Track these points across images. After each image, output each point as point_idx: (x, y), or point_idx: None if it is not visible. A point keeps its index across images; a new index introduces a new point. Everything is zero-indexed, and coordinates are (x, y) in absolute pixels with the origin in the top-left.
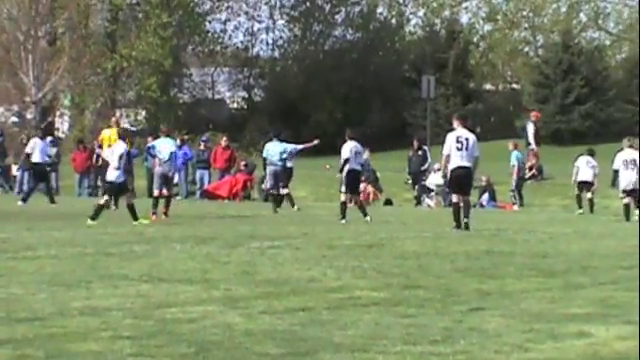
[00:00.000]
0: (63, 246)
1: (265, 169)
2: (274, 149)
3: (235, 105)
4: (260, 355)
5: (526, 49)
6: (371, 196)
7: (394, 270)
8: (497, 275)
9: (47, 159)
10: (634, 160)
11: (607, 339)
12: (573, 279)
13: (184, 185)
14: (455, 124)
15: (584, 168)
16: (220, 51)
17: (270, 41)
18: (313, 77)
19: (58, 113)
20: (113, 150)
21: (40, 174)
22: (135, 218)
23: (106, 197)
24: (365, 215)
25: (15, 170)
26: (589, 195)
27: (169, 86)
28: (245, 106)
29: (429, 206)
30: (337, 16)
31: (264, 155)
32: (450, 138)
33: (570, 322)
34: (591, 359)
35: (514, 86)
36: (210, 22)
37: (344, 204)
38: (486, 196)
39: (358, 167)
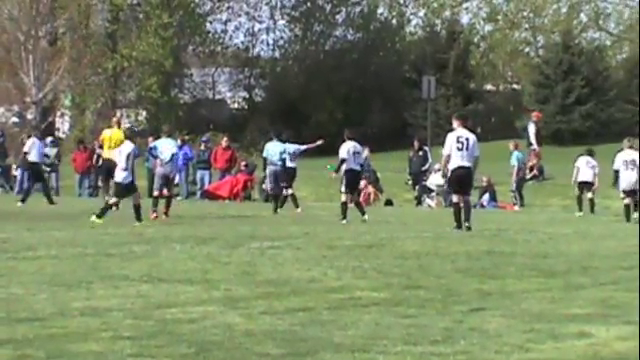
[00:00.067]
0: (63, 246)
1: (265, 169)
2: (274, 149)
3: (236, 105)
4: (260, 355)
5: (527, 49)
6: (372, 196)
7: (394, 270)
8: (498, 275)
9: (46, 159)
10: (634, 160)
11: (607, 339)
12: (574, 279)
13: (185, 185)
14: (455, 124)
15: (584, 168)
16: (221, 51)
17: (271, 41)
18: (314, 77)
19: (59, 113)
20: (121, 150)
21: (37, 174)
22: (139, 219)
23: (115, 198)
24: (363, 214)
25: (15, 170)
26: (590, 195)
27: (170, 86)
28: (246, 106)
29: (430, 206)
30: (338, 16)
31: (264, 155)
32: (450, 138)
33: (570, 322)
34: (591, 359)
35: (515, 86)
36: (211, 22)
37: (345, 204)
38: (487, 196)
39: (357, 167)
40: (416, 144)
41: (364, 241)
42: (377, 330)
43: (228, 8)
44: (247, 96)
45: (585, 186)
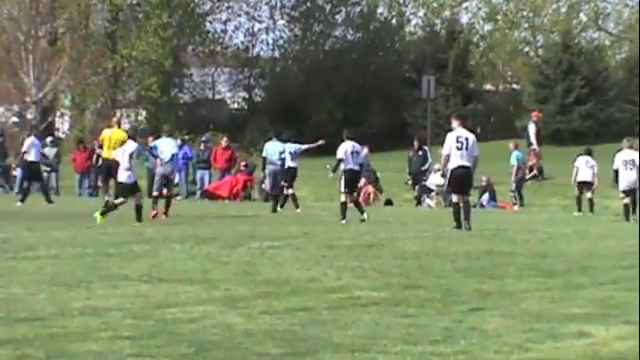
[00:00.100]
0: (63, 246)
1: (264, 169)
2: (274, 148)
3: (235, 105)
4: (260, 355)
5: (526, 49)
6: (371, 196)
7: (394, 270)
8: (497, 275)
9: (45, 159)
10: (633, 160)
11: (607, 339)
12: (573, 279)
13: (184, 185)
14: (454, 124)
15: (583, 168)
16: (220, 51)
17: (270, 41)
18: (313, 77)
19: (58, 113)
20: (124, 149)
21: (35, 173)
22: (139, 219)
23: (121, 199)
24: (362, 213)
25: (15, 170)
26: (589, 195)
27: (169, 86)
28: (245, 106)
29: (429, 206)
30: (337, 16)
31: (264, 154)
32: (450, 138)
33: (570, 322)
34: (591, 359)
35: (514, 86)
36: (210, 22)
37: (344, 204)
38: (486, 196)
39: (356, 167)
40: (416, 144)
41: (364, 241)
42: (377, 330)
43: (228, 8)
44: (247, 96)
45: (585, 186)
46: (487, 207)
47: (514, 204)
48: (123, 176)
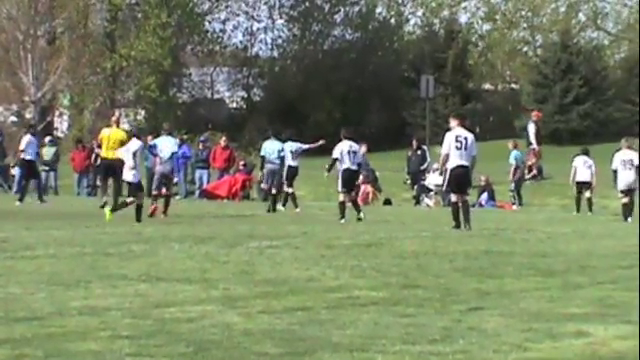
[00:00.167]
0: (62, 246)
1: (262, 168)
2: (272, 147)
3: (234, 105)
4: (259, 355)
5: (525, 49)
6: (370, 196)
7: (393, 270)
8: (496, 275)
9: (45, 157)
10: (631, 160)
11: (605, 338)
12: (572, 279)
13: (183, 185)
14: (453, 123)
15: (581, 168)
16: (219, 51)
17: (269, 41)
18: (312, 77)
19: (57, 113)
20: (128, 148)
21: (31, 171)
22: (139, 219)
23: (132, 198)
24: (358, 212)
25: (16, 170)
26: (588, 195)
27: (168, 86)
28: (244, 106)
29: (428, 206)
30: (336, 16)
31: (262, 153)
32: (449, 137)
33: (569, 321)
34: (589, 359)
35: (513, 86)
36: (209, 22)
37: (342, 204)
38: (485, 196)
39: (354, 166)
40: (414, 143)
41: (362, 240)
42: (375, 329)
43: (227, 7)
44: (245, 95)
45: (583, 186)
46: (486, 207)
47: (513, 204)
48: (129, 175)
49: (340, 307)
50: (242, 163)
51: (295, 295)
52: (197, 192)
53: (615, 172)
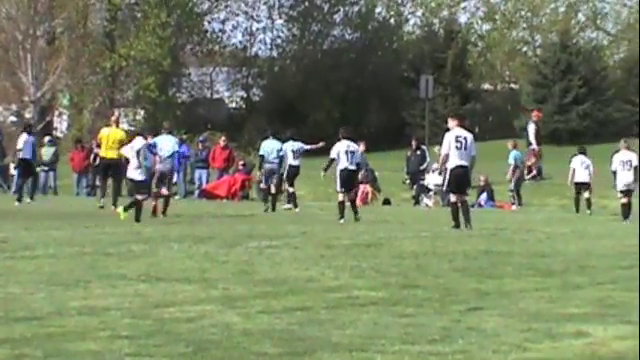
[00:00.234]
0: (61, 245)
1: (261, 167)
2: (271, 147)
3: (233, 105)
4: (258, 354)
5: (524, 49)
6: (369, 196)
7: (392, 270)
8: (495, 275)
9: (41, 160)
10: (630, 161)
11: (605, 339)
12: (571, 279)
13: (182, 185)
14: (451, 124)
15: (579, 169)
16: (219, 51)
17: (268, 41)
18: (311, 77)
19: (57, 112)
20: (132, 146)
21: (28, 169)
22: (138, 219)
23: (143, 196)
24: (356, 213)
25: (13, 169)
26: (587, 195)
27: (168, 86)
28: (243, 106)
29: (427, 206)
30: (336, 16)
31: (260, 153)
32: (449, 137)
33: (568, 322)
34: (589, 359)
35: (512, 86)
36: (209, 22)
37: (342, 204)
38: (484, 196)
39: (352, 166)
40: (414, 143)
41: (362, 240)
42: (375, 329)
43: (226, 7)
44: (245, 95)
45: (582, 187)
46: (485, 207)
47: (512, 204)
48: (136, 174)
49: (339, 307)
50: (241, 163)
51: (294, 295)
52: (196, 192)
53: (615, 173)
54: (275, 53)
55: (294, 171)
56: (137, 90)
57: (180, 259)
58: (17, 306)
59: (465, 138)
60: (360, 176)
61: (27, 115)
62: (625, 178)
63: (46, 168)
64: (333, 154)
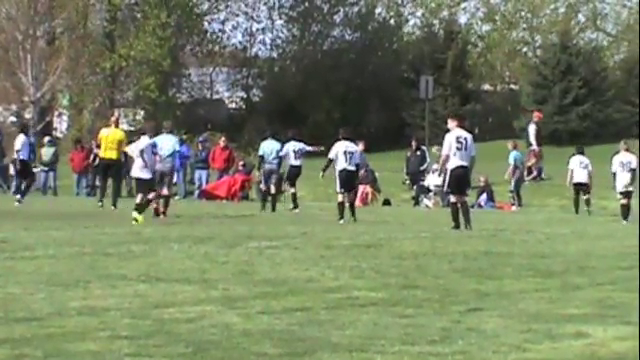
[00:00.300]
0: (61, 246)
1: (260, 168)
2: (270, 147)
3: (233, 105)
4: (258, 355)
5: (524, 50)
6: (369, 196)
7: (392, 270)
8: (495, 275)
9: (44, 158)
10: (630, 163)
11: (605, 339)
12: (571, 279)
13: (182, 185)
14: (451, 124)
15: (578, 170)
16: (219, 51)
17: (268, 41)
18: (311, 77)
19: (56, 113)
20: (137, 145)
21: (25, 169)
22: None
23: (153, 193)
24: (352, 214)
25: (12, 170)
26: (586, 196)
27: (167, 86)
28: (243, 106)
29: (427, 206)
30: (335, 16)
31: (260, 153)
32: (450, 138)
33: (568, 322)
34: (589, 359)
35: (512, 86)
36: (209, 22)
37: (341, 204)
38: (484, 196)
39: (351, 167)
40: (414, 144)
41: (362, 241)
42: (375, 330)
43: (226, 8)
44: (245, 96)
45: (581, 188)
46: (485, 207)
47: (512, 204)
48: (141, 173)
49: (339, 307)
50: (241, 163)
51: (294, 295)
52: (196, 192)
53: (615, 175)
54: (275, 53)
55: (295, 171)
56: (137, 90)
57: (180, 259)
58: (17, 306)
59: (465, 139)
60: (360, 176)
61: (27, 115)
62: (624, 179)
63: (46, 168)
64: (332, 155)
